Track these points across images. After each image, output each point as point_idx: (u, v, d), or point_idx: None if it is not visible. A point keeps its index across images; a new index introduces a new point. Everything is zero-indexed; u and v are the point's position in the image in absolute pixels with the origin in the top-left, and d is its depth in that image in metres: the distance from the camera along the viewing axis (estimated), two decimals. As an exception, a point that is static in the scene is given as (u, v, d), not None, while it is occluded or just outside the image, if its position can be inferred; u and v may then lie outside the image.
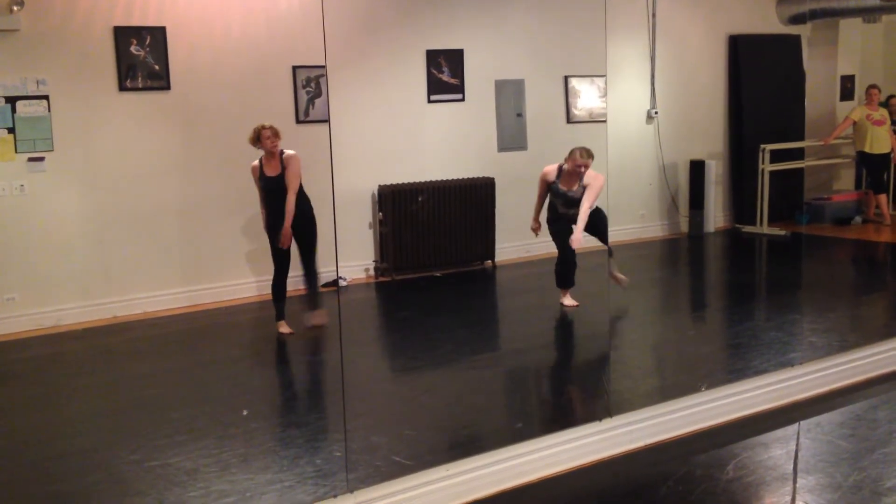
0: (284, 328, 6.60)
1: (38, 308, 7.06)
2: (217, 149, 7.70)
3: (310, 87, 8.06)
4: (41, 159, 6.98)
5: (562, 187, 6.84)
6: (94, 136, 7.19)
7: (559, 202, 6.92)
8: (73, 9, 7.00)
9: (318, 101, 8.09)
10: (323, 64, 7.83)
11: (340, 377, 5.49)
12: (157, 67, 7.36)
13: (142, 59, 7.29)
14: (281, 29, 7.86)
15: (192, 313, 7.45)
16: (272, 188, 6.42)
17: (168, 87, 7.43)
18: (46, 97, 6.94)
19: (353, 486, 3.83)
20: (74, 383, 5.84)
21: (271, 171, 6.44)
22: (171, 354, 6.49)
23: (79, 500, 4.02)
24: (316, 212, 7.64)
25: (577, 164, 6.72)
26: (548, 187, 6.93)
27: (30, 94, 6.88)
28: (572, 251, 6.81)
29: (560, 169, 6.87)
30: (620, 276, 7.25)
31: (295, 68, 7.97)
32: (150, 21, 7.30)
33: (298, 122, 8.03)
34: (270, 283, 6.69)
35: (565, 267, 6.99)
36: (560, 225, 6.92)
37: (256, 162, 6.52)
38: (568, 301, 7.03)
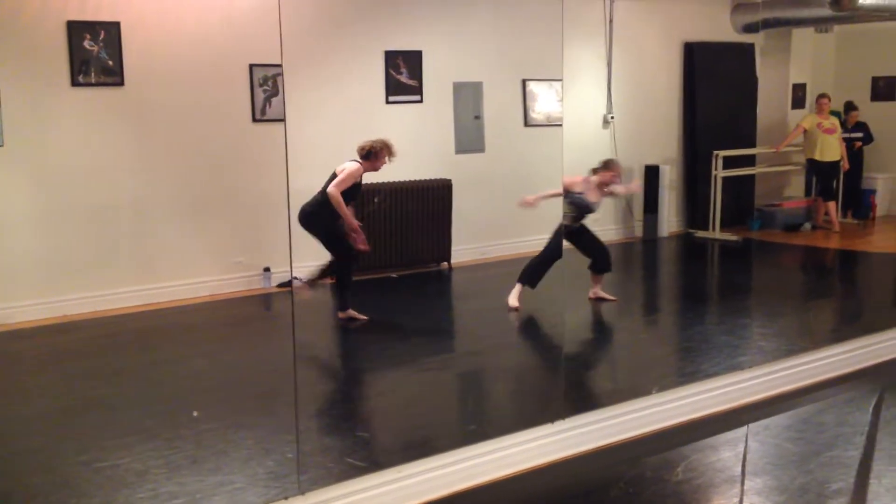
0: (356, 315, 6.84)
1: (-16, 306, 6.93)
2: (171, 146, 7.61)
3: (267, 86, 8.01)
4: (-10, 154, 6.85)
5: (587, 198, 6.94)
6: (46, 131, 7.07)
7: (573, 209, 6.97)
8: (25, 1, 6.88)
9: (274, 100, 8.04)
10: (280, 63, 7.78)
11: (293, 378, 5.47)
12: (110, 63, 7.26)
13: (95, 54, 7.18)
14: (238, 26, 7.79)
15: (144, 312, 7.35)
16: (355, 194, 6.79)
17: (122, 83, 7.33)
18: (-4, 91, 6.82)
19: (305, 487, 3.81)
20: (22, 383, 5.74)
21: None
22: (122, 354, 6.41)
23: (23, 501, 3.95)
24: (272, 211, 7.63)
25: (615, 172, 7.04)
26: (571, 196, 6.95)
27: (-21, 87, 6.75)
28: (559, 257, 6.92)
29: (586, 182, 6.96)
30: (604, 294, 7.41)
31: (252, 66, 7.91)
32: (105, 16, 7.19)
33: (255, 120, 7.97)
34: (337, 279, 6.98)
35: (543, 267, 7.04)
36: (566, 228, 6.97)
37: (359, 165, 6.71)
38: (514, 301, 7.07)
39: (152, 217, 7.59)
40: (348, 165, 6.64)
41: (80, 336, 6.80)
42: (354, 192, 6.73)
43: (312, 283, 6.98)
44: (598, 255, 7.25)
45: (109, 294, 7.42)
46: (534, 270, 7.07)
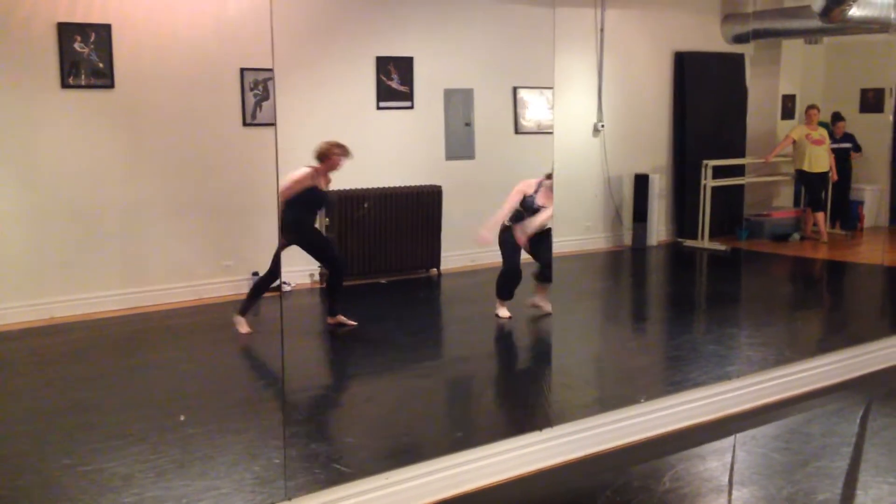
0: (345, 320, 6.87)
1: (-30, 307, 6.89)
2: (161, 149, 7.59)
3: (257, 90, 8.00)
4: (-22, 155, 6.82)
5: (538, 202, 6.89)
6: (35, 132, 7.04)
7: (527, 215, 6.93)
8: (15, 3, 6.85)
9: (265, 105, 8.03)
10: (271, 67, 7.78)
11: (281, 383, 5.45)
12: (101, 65, 7.23)
13: (86, 56, 7.16)
14: (229, 30, 7.78)
15: (132, 316, 7.32)
16: (319, 200, 6.69)
17: (112, 86, 7.31)
18: (-15, 92, 6.79)
19: (292, 493, 3.79)
20: (8, 385, 5.70)
21: (323, 185, 6.58)
22: (109, 357, 6.37)
23: (8, 505, 3.93)
24: (260, 216, 7.60)
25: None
26: (523, 199, 6.91)
27: (-32, 88, 6.72)
28: (519, 264, 6.86)
29: (539, 185, 6.90)
30: (544, 304, 7.21)
31: (243, 70, 7.90)
32: (95, 18, 7.17)
33: (245, 124, 7.96)
34: (327, 285, 7.09)
35: (510, 279, 7.01)
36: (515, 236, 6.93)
37: (310, 170, 6.46)
38: (503, 312, 7.05)
39: (141, 220, 7.56)
40: (296, 171, 6.45)
41: (67, 339, 6.76)
42: (312, 198, 6.56)
43: (245, 310, 6.76)
44: (547, 264, 7.20)
45: (97, 297, 7.39)
46: (502, 285, 7.06)
